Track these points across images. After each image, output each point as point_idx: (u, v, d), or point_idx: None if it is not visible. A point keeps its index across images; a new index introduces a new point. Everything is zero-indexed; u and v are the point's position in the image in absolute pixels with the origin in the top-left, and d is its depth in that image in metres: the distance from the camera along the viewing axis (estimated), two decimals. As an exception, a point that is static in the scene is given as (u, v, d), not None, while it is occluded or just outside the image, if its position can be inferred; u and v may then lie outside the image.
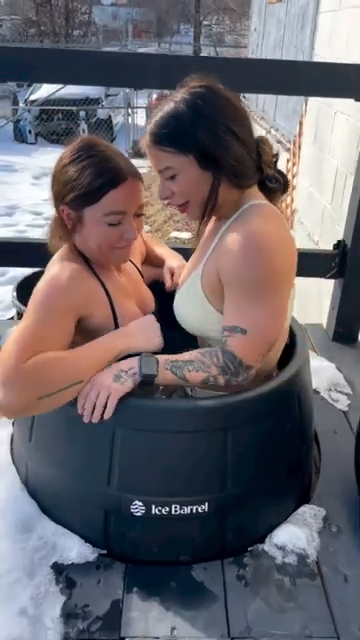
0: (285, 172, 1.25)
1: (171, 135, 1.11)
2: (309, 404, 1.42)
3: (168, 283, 1.49)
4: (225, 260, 1.14)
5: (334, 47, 3.06)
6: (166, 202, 1.21)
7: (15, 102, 12.10)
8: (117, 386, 1.13)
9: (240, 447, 1.21)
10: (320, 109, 3.18)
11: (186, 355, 1.18)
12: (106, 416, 1.13)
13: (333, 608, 1.18)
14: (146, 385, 1.16)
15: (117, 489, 1.20)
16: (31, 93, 10.97)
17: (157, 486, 1.21)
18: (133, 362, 1.16)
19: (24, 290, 2.84)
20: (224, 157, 1.12)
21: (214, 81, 1.16)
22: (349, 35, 2.76)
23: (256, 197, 1.21)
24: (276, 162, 1.25)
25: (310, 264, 2.13)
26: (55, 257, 1.28)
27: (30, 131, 10.48)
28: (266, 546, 1.30)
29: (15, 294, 2.82)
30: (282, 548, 1.30)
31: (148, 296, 1.44)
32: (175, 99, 1.13)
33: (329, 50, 3.16)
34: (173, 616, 1.16)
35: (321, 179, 3.16)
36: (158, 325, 1.27)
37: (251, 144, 1.16)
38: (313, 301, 2.86)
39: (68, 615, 1.14)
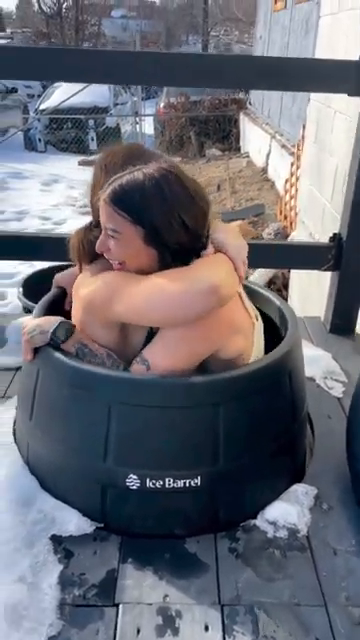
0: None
1: (130, 205, 1.19)
2: (301, 385, 1.46)
3: None
4: None
5: (334, 49, 3.12)
6: (102, 254, 1.28)
7: (25, 112, 12.30)
8: (27, 337, 1.31)
9: (232, 422, 1.26)
10: (320, 109, 3.24)
11: (98, 347, 1.29)
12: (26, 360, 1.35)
13: (321, 579, 1.22)
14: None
15: (113, 463, 1.25)
16: (41, 102, 11.16)
17: (151, 460, 1.25)
18: (52, 322, 1.30)
19: (29, 288, 2.92)
20: (169, 241, 1.21)
21: (179, 167, 1.25)
22: (347, 36, 2.82)
23: None
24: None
25: (306, 257, 2.17)
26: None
27: (40, 139, 10.64)
28: (258, 521, 1.34)
29: (21, 290, 2.89)
30: (273, 523, 1.34)
31: None
32: (145, 172, 1.20)
33: (330, 52, 3.22)
34: (166, 584, 1.20)
35: (321, 178, 3.21)
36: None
37: (199, 229, 1.23)
38: (313, 295, 2.90)
39: (65, 582, 1.19)
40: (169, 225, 1.19)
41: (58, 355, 1.28)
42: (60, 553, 1.25)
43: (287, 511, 1.36)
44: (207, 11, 22.59)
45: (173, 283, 1.19)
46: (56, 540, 1.28)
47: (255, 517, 1.35)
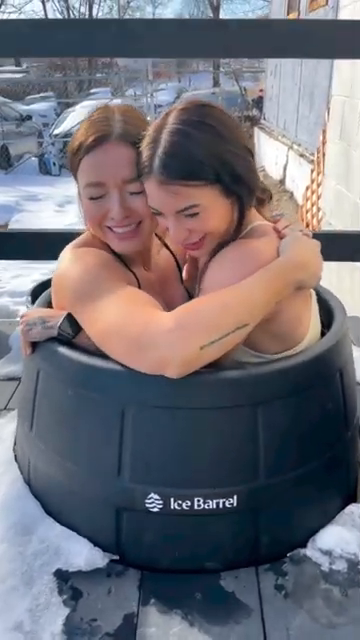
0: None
1: (195, 165, 0.94)
2: (353, 385, 1.23)
3: None
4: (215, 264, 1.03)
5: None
6: (182, 245, 1.05)
7: (40, 137, 12.45)
8: (25, 329, 1.12)
9: (274, 427, 1.03)
10: (344, 103, 3.06)
11: None
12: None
13: None
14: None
15: (129, 480, 1.03)
16: (55, 127, 11.29)
17: (176, 476, 1.02)
18: (58, 315, 1.09)
19: (38, 296, 2.74)
20: (250, 177, 0.99)
21: (203, 99, 1.05)
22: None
23: (255, 215, 1.09)
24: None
25: (342, 247, 1.95)
26: (71, 244, 1.16)
27: (54, 163, 10.71)
28: (309, 550, 1.09)
29: (29, 299, 2.72)
30: (328, 553, 1.09)
31: (179, 296, 1.25)
32: (178, 124, 0.95)
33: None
34: (199, 632, 0.96)
35: (350, 174, 3.01)
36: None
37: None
38: (345, 290, 2.68)
39: (72, 631, 0.96)
40: (243, 160, 0.98)
41: (60, 349, 1.07)
42: (66, 593, 1.02)
43: (344, 538, 1.11)
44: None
45: (133, 318, 0.96)
46: (61, 576, 1.04)
47: (305, 545, 1.10)
